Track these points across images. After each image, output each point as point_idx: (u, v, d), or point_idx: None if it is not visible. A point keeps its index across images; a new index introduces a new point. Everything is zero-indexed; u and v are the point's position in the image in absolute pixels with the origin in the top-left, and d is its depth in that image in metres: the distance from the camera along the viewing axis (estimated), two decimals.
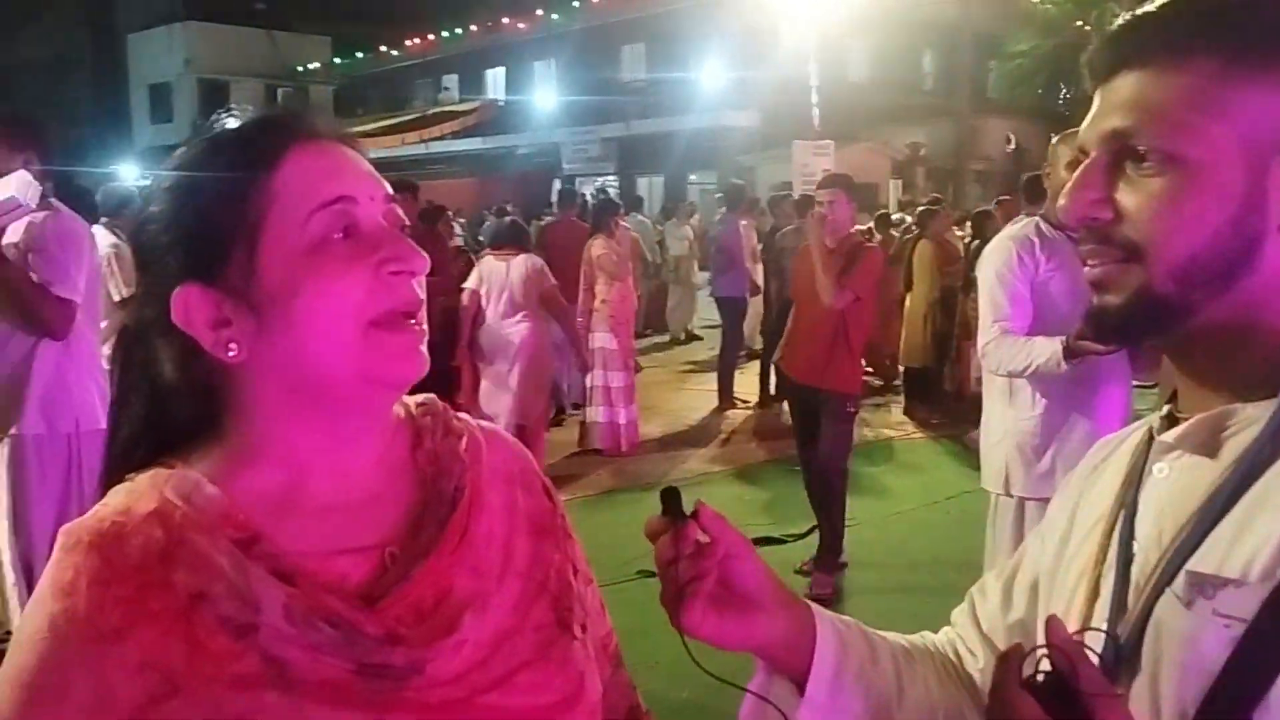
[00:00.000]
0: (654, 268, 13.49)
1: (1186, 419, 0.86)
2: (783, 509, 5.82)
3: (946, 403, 8.49)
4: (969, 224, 9.48)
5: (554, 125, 26.18)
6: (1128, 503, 0.89)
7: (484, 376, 6.37)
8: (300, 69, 33.98)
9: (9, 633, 3.36)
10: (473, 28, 28.28)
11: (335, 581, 0.83)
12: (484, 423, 1.03)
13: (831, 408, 4.90)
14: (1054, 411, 3.11)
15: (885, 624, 1.09)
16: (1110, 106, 0.84)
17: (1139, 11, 0.84)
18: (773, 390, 8.28)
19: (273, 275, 0.82)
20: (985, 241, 4.45)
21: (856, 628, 1.02)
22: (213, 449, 0.88)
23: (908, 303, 8.73)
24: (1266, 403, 0.80)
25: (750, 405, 8.87)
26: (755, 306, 9.99)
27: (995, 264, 3.18)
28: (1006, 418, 3.23)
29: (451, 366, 6.53)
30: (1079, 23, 20.42)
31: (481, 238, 14.35)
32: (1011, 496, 3.19)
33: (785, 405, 6.16)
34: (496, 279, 6.31)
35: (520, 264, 6.32)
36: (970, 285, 6.50)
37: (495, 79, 31.03)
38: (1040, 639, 0.77)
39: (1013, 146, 23.45)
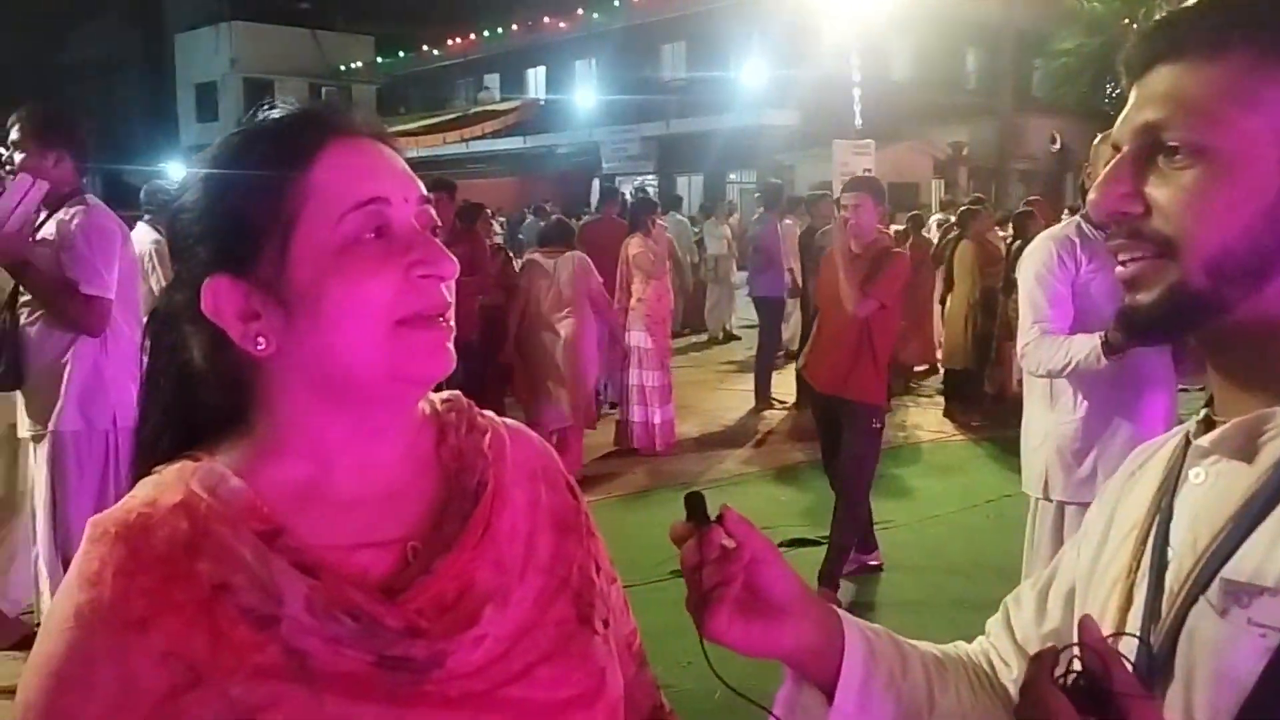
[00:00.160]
0: (691, 268, 13.46)
1: (1223, 423, 0.84)
2: (819, 511, 5.78)
3: (987, 405, 8.41)
4: (1011, 224, 9.38)
5: (594, 124, 26.27)
6: (1163, 508, 0.88)
7: (533, 372, 6.57)
8: (343, 68, 34.37)
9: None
10: (514, 27, 28.44)
11: (357, 574, 0.83)
12: (509, 420, 1.03)
13: (856, 421, 4.74)
14: (1096, 415, 3.07)
15: (920, 629, 1.08)
16: (1144, 100, 0.83)
17: (1176, 7, 0.84)
18: None
19: (303, 271, 0.83)
20: (1027, 242, 4.38)
21: (887, 636, 1.00)
22: (239, 441, 0.88)
23: (948, 304, 8.65)
24: None
25: (787, 406, 8.82)
26: (796, 307, 9.95)
27: (1035, 264, 3.14)
28: (1047, 421, 3.19)
29: (500, 363, 6.65)
30: (1125, 20, 20.11)
31: (521, 236, 14.46)
32: (1051, 501, 3.15)
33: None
34: (544, 277, 6.53)
35: (568, 262, 6.55)
36: (1012, 286, 6.42)
37: (536, 78, 31.18)
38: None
39: (1058, 146, 23.17)
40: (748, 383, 9.29)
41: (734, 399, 9.32)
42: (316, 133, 0.86)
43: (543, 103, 29.36)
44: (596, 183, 22.94)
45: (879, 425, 4.81)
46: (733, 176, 24.78)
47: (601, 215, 9.85)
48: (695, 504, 0.90)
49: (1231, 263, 0.78)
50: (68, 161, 3.42)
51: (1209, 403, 0.89)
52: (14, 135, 3.40)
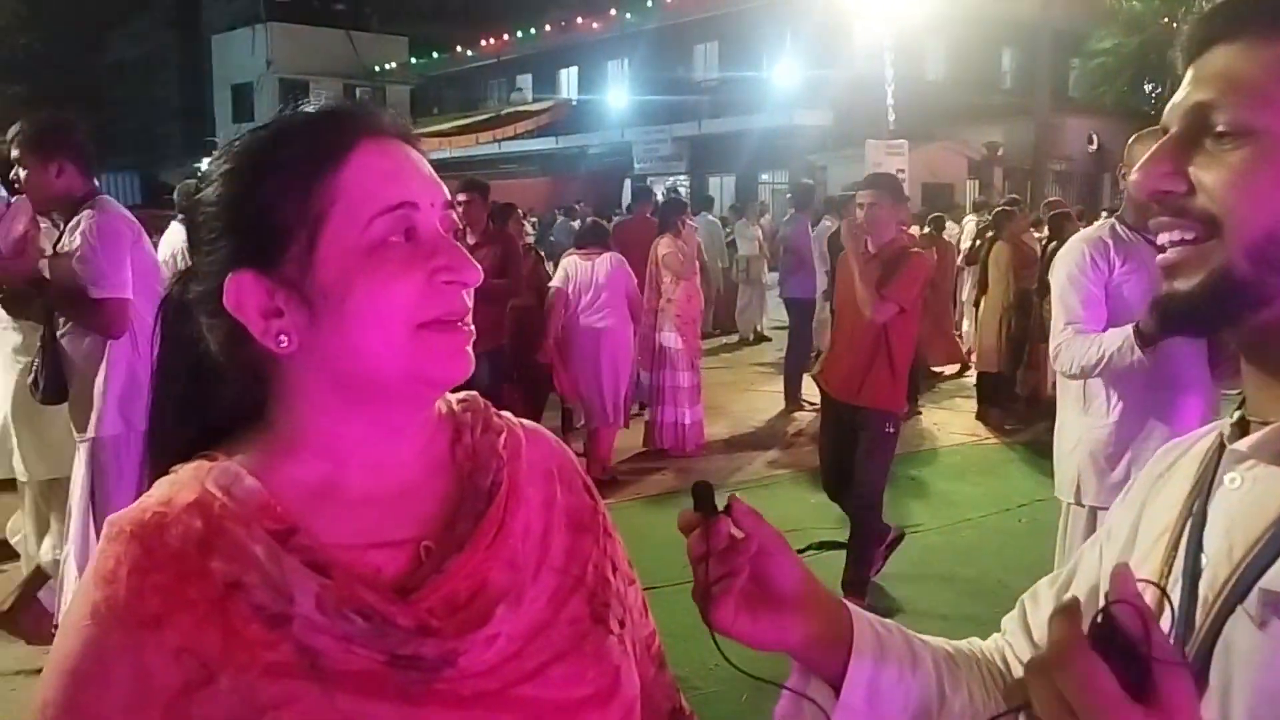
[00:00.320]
0: (718, 274, 13.41)
1: (1259, 424, 0.82)
2: (842, 516, 5.75)
3: (1020, 408, 8.32)
4: (1046, 225, 9.28)
5: (626, 124, 26.30)
6: (1196, 513, 0.85)
7: (572, 371, 6.67)
8: (378, 69, 34.62)
9: None
10: (547, 27, 28.52)
11: (370, 573, 0.83)
12: (525, 421, 1.03)
13: (870, 427, 4.56)
14: (1129, 418, 3.02)
15: (950, 633, 1.06)
16: (1197, 81, 0.81)
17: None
18: None
19: (329, 270, 0.83)
20: (1063, 243, 4.32)
21: (897, 631, 0.99)
22: (255, 439, 0.88)
23: (981, 306, 8.57)
24: None
25: (817, 408, 8.76)
26: (828, 309, 9.89)
27: (1068, 266, 3.10)
28: (1080, 425, 3.15)
29: (539, 363, 6.71)
30: (1165, 19, 19.86)
31: (552, 238, 14.49)
32: (1083, 506, 3.11)
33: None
34: (582, 277, 6.67)
35: (605, 262, 6.69)
36: (1046, 288, 6.36)
37: (569, 78, 31.26)
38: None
39: (1095, 146, 22.93)
40: (778, 384, 9.25)
41: (764, 400, 9.28)
42: (347, 132, 0.86)
43: (575, 103, 29.44)
44: (628, 183, 22.98)
45: (893, 430, 4.66)
46: (765, 177, 24.71)
47: (635, 215, 9.86)
48: (702, 494, 0.89)
49: (1276, 249, 0.76)
50: (70, 169, 3.45)
51: (1242, 404, 0.86)
52: (15, 152, 3.45)
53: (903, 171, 13.19)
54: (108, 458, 3.47)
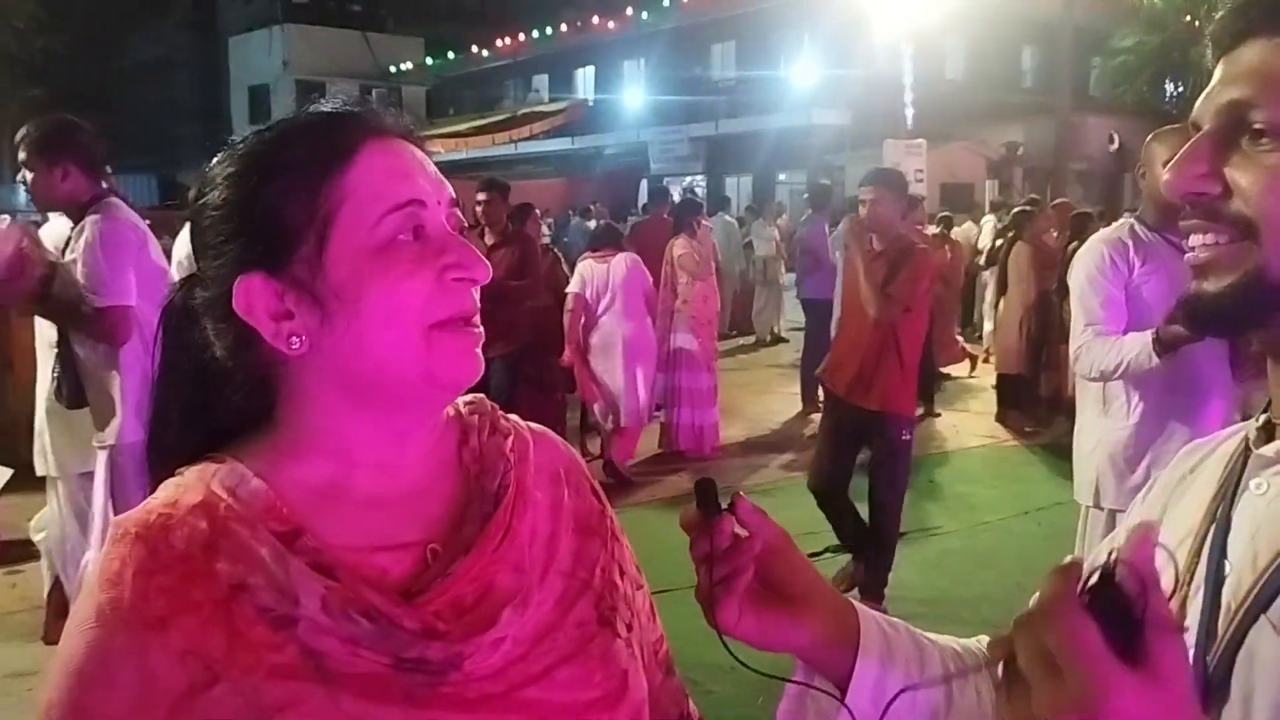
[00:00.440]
0: (735, 275, 13.39)
1: None
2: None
3: (1040, 410, 8.27)
4: (1057, 226, 9.22)
5: (642, 125, 26.32)
6: (1220, 518, 0.83)
7: (594, 374, 6.74)
8: (394, 70, 34.75)
9: None
10: (563, 28, 28.57)
11: (376, 576, 0.83)
12: (533, 424, 1.03)
13: (884, 434, 4.45)
14: (1149, 421, 2.99)
15: (967, 636, 1.05)
16: (1230, 77, 0.79)
17: None
18: None
19: (339, 271, 0.83)
20: (1083, 244, 4.27)
21: (905, 630, 0.98)
22: (261, 441, 0.88)
23: (1001, 306, 8.52)
24: None
25: None
26: None
27: (1086, 267, 3.07)
28: (1100, 427, 3.12)
29: (558, 365, 6.74)
30: (1187, 17, 19.71)
31: (566, 239, 14.51)
32: (1102, 509, 3.08)
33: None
34: (599, 280, 6.70)
35: (621, 263, 6.73)
36: (1066, 289, 6.32)
37: (585, 78, 31.30)
38: None
39: (1116, 146, 22.78)
40: (795, 386, 9.22)
41: (781, 402, 9.26)
42: (352, 132, 0.86)
43: (591, 103, 29.48)
44: (644, 183, 22.97)
45: (908, 436, 4.55)
46: (782, 177, 24.67)
47: (652, 216, 9.86)
48: (706, 491, 0.87)
49: None
50: (76, 173, 3.45)
51: (1268, 407, 0.84)
52: (22, 156, 3.46)
53: (921, 171, 13.15)
54: (127, 464, 3.48)
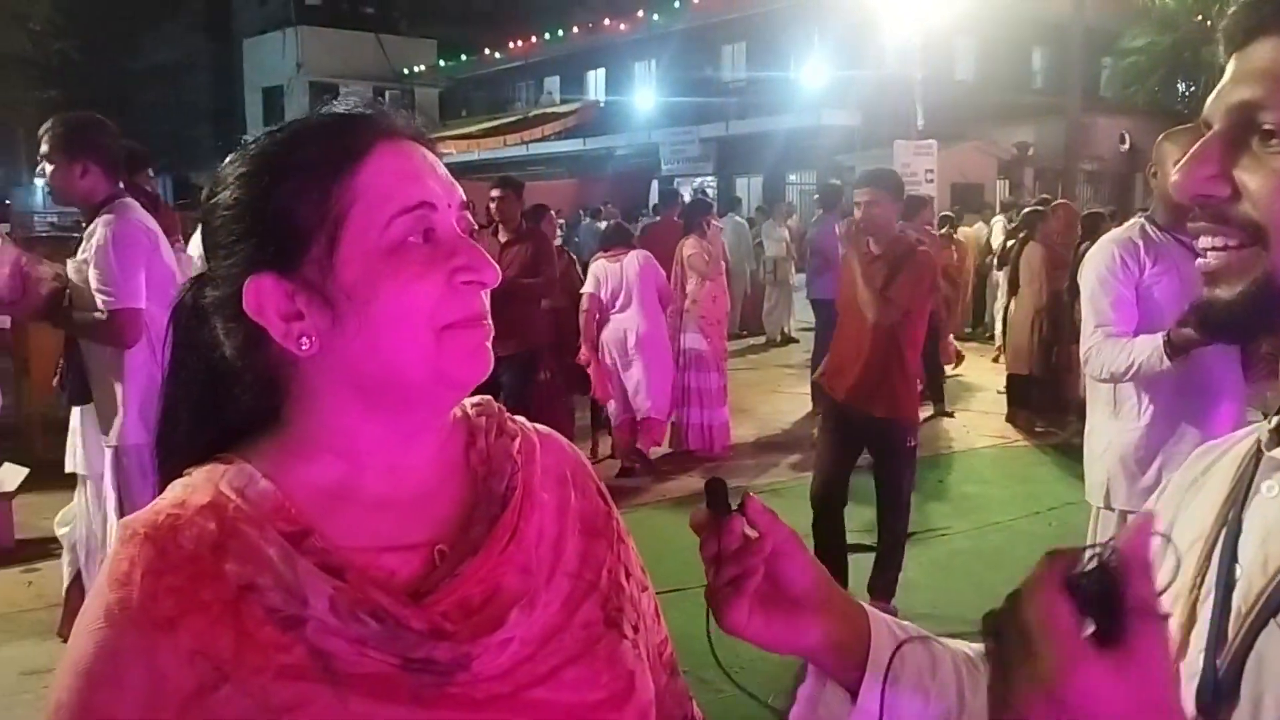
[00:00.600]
0: (745, 275, 13.36)
1: None
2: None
3: (1051, 411, 8.24)
4: (1079, 225, 9.17)
5: (653, 126, 26.30)
6: (1230, 522, 0.82)
7: (611, 373, 6.79)
8: (407, 71, 34.81)
9: None
10: (574, 29, 28.57)
11: (384, 577, 0.83)
12: (539, 426, 1.03)
13: (889, 441, 4.36)
14: (1161, 422, 2.98)
15: (977, 637, 1.05)
16: (1241, 76, 0.77)
17: None
18: None
19: (349, 272, 0.83)
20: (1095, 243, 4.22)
21: (916, 634, 0.97)
22: (269, 442, 0.88)
23: (1012, 307, 8.49)
24: None
25: None
26: None
27: (1097, 267, 3.06)
28: (1111, 428, 3.11)
29: (574, 365, 6.75)
30: (1198, 17, 19.60)
31: (577, 239, 14.52)
32: (1114, 510, 3.07)
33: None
34: (613, 280, 6.75)
35: (633, 260, 6.78)
36: (1077, 290, 6.28)
37: (596, 80, 31.29)
38: None
39: (1127, 146, 22.67)
40: (806, 386, 9.19)
41: (791, 402, 9.24)
42: (363, 134, 0.86)
43: (602, 104, 29.47)
44: (655, 184, 22.96)
45: (914, 444, 4.44)
46: (792, 177, 24.64)
47: (661, 218, 9.85)
48: (716, 491, 0.87)
49: None
50: (96, 171, 3.46)
51: None
52: (44, 148, 3.47)
53: (932, 172, 13.11)
54: (132, 465, 3.49)
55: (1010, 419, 8.44)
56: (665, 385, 6.99)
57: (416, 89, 34.85)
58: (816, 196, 13.03)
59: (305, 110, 0.90)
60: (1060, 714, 0.61)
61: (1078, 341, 3.19)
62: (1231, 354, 2.89)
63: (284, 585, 0.79)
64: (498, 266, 0.88)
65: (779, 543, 0.88)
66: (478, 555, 0.86)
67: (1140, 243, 3.01)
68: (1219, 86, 0.79)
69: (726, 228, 12.18)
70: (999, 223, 13.32)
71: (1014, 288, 8.49)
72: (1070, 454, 6.48)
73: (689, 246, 7.43)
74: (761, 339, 13.34)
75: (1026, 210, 9.51)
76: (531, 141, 27.76)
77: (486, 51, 32.22)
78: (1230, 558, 0.81)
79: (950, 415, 8.79)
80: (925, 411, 8.74)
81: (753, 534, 0.87)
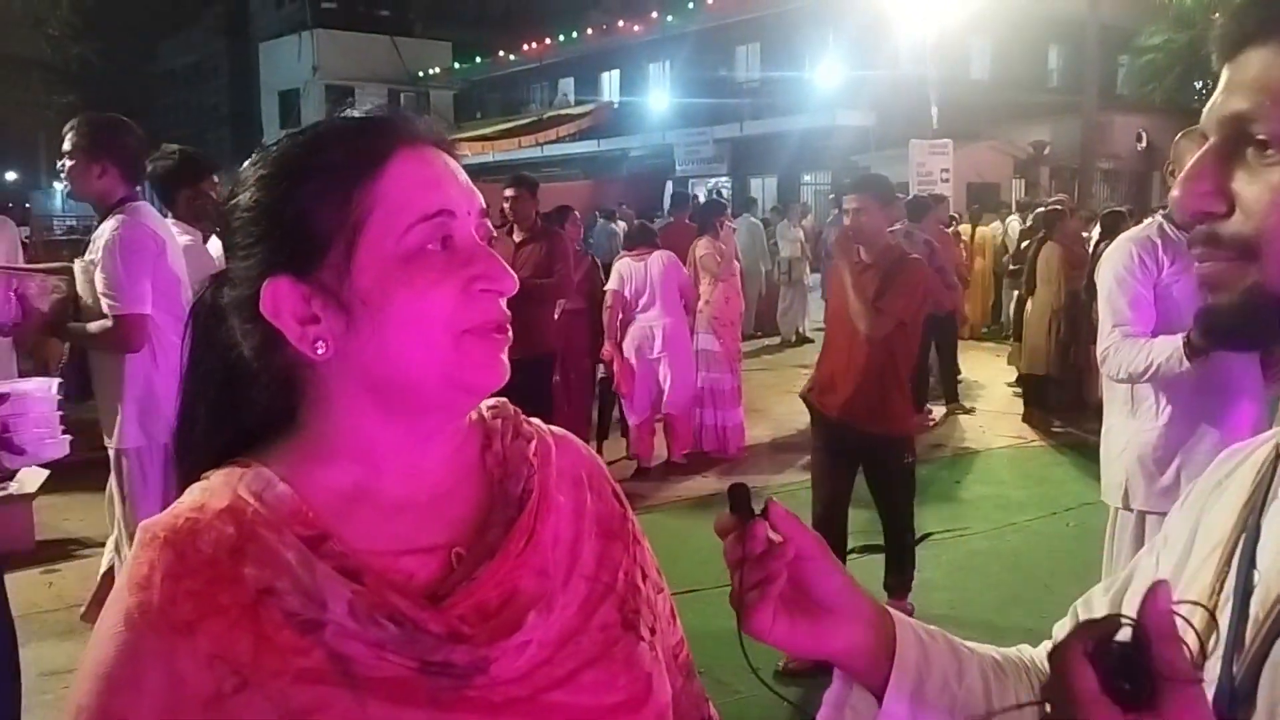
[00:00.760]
0: (760, 275, 13.34)
1: None
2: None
3: (1068, 411, 8.21)
4: (1098, 225, 9.13)
5: (667, 127, 26.31)
6: (1249, 527, 0.82)
7: (634, 370, 6.86)
8: (422, 74, 34.94)
9: None
10: (589, 31, 28.61)
11: (401, 580, 0.83)
12: (555, 428, 1.03)
13: (885, 459, 4.21)
14: (1179, 422, 2.96)
15: (995, 637, 1.04)
16: (1233, 87, 0.77)
17: None
18: None
19: (366, 278, 0.83)
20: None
21: (942, 638, 0.96)
22: (287, 445, 0.88)
23: (1029, 307, 8.46)
24: None
25: None
26: None
27: (1114, 266, 3.04)
28: (1128, 429, 3.09)
29: (589, 369, 6.91)
30: (1215, 15, 19.47)
31: (591, 240, 14.54)
32: (1131, 511, 3.05)
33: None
34: (637, 279, 6.83)
35: (657, 260, 6.86)
36: (1094, 290, 6.24)
37: (610, 81, 31.33)
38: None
39: (1144, 144, 22.56)
40: None
41: None
42: (385, 139, 0.85)
43: (617, 106, 29.49)
44: (669, 185, 22.97)
45: (912, 460, 4.29)
46: (807, 178, 24.61)
47: (673, 221, 9.87)
48: (739, 496, 0.87)
49: None
50: (114, 172, 3.48)
51: None
52: (66, 145, 3.49)
53: (947, 171, 13.09)
54: (132, 468, 3.52)
55: (1027, 419, 8.41)
56: (688, 385, 7.05)
57: (431, 91, 34.98)
58: (831, 196, 13.03)
59: (321, 112, 0.90)
60: None
61: (1095, 341, 3.17)
62: (1250, 355, 2.86)
63: (302, 589, 0.80)
64: (514, 273, 0.88)
65: (803, 547, 0.88)
66: (494, 558, 0.86)
67: (1158, 241, 2.99)
68: (1213, 98, 0.79)
69: (741, 228, 12.17)
70: (1014, 222, 13.27)
71: (1030, 288, 8.46)
72: (1087, 454, 6.44)
73: (702, 247, 7.44)
74: (776, 339, 13.32)
75: (1044, 210, 9.46)
76: (546, 143, 27.81)
77: (501, 53, 32.30)
78: (1249, 564, 0.80)
79: (970, 411, 8.79)
80: (940, 409, 8.76)
81: (776, 538, 0.87)
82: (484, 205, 0.90)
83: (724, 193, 21.66)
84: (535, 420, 1.01)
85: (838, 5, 21.79)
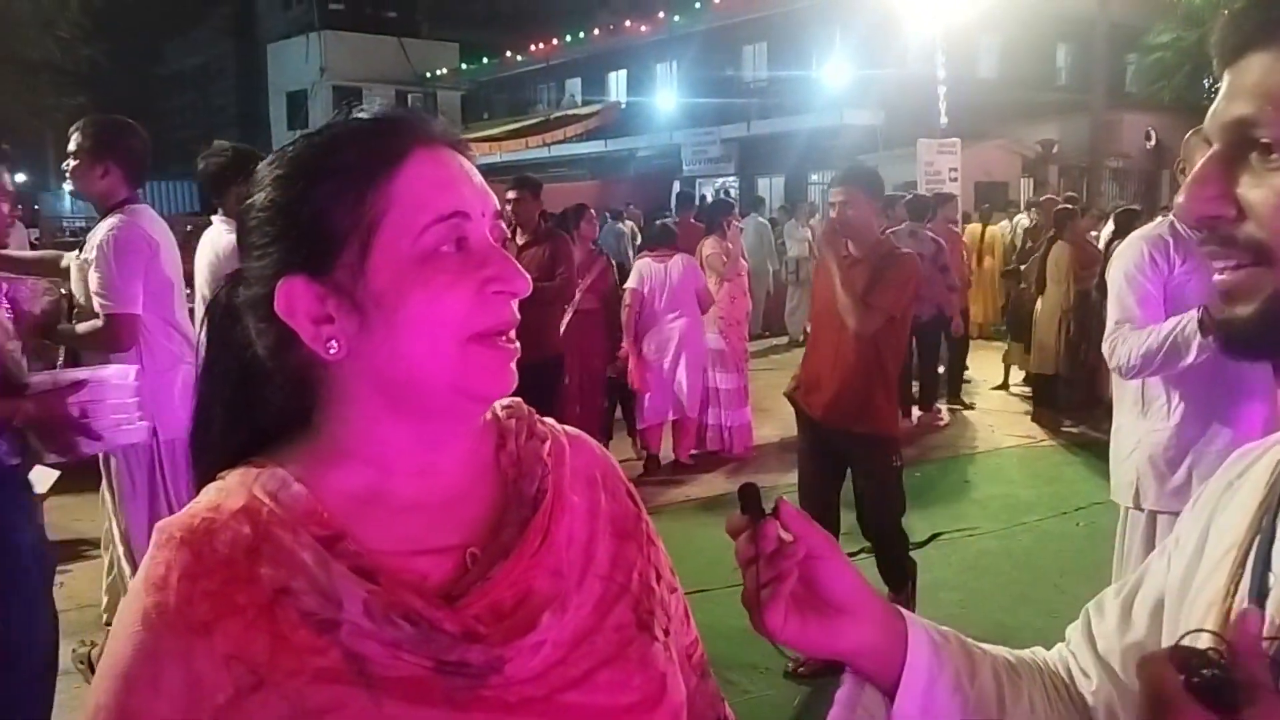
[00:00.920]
0: (767, 275, 13.32)
1: None
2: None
3: (1079, 410, 8.18)
4: (1107, 223, 9.09)
5: (674, 127, 26.26)
6: (1264, 529, 0.81)
7: (650, 366, 6.92)
8: (429, 75, 34.95)
9: None
10: (596, 31, 28.58)
11: (416, 580, 0.84)
12: (569, 428, 1.03)
13: (873, 460, 4.05)
14: (1190, 421, 2.94)
15: (1005, 637, 1.04)
16: (1234, 92, 0.76)
17: None
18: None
19: (380, 278, 0.83)
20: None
21: (955, 639, 0.96)
22: (302, 446, 0.89)
23: (1039, 307, 8.43)
24: None
25: None
26: None
27: (1125, 264, 3.02)
28: (1139, 428, 3.07)
29: (602, 371, 6.95)
30: (1225, 13, 19.36)
31: (598, 241, 14.52)
32: (1142, 510, 3.03)
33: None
34: (656, 279, 6.88)
35: (678, 263, 6.93)
36: (1105, 289, 6.20)
37: (617, 81, 31.30)
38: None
39: (1153, 143, 22.47)
40: None
41: None
42: (401, 139, 0.86)
43: (624, 106, 29.46)
44: (677, 185, 22.96)
45: (899, 463, 4.11)
46: (814, 177, 24.52)
47: (679, 220, 9.85)
48: (750, 496, 0.88)
49: None
50: (117, 173, 3.51)
51: None
52: (71, 145, 3.53)
53: (956, 170, 13.04)
54: (122, 471, 3.54)
55: (1036, 418, 8.39)
56: (698, 387, 7.10)
57: (439, 92, 34.98)
58: None
59: (329, 114, 0.90)
60: None
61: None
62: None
63: (318, 589, 0.80)
64: (529, 277, 0.88)
65: (814, 546, 0.89)
66: (509, 558, 0.86)
67: (1170, 240, 2.96)
68: (1215, 103, 0.78)
69: (748, 228, 12.16)
70: (1022, 220, 13.22)
71: (1040, 287, 8.43)
72: (1097, 453, 6.42)
73: (708, 246, 7.44)
74: (784, 339, 13.30)
75: (1052, 207, 9.42)
76: (553, 143, 27.77)
77: (508, 54, 32.28)
78: (1264, 565, 0.79)
79: (970, 407, 8.80)
80: (943, 405, 8.74)
81: (788, 537, 0.87)
82: (498, 207, 0.90)
83: (731, 192, 21.62)
84: (549, 420, 1.01)
85: (845, 4, 21.74)
